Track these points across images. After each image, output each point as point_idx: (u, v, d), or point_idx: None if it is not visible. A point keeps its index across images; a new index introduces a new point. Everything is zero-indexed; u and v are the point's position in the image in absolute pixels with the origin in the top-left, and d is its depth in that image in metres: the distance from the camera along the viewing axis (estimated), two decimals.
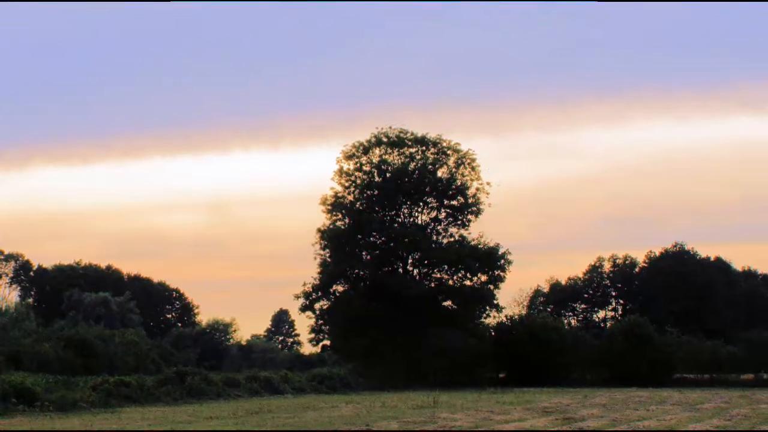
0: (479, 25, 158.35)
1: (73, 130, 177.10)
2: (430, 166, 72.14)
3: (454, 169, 73.04)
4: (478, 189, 73.10)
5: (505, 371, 77.32)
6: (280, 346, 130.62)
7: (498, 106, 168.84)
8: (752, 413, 35.80)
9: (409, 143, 73.31)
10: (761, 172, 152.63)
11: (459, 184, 72.63)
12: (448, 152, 73.40)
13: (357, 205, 72.33)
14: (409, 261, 72.80)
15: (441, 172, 72.82)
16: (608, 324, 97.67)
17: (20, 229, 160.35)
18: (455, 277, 73.13)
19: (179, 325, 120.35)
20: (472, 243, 72.64)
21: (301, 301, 72.64)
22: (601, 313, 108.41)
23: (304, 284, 72.81)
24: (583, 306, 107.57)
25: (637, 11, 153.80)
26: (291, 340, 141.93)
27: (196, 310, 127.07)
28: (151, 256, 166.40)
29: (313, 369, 71.13)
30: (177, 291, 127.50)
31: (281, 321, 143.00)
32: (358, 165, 72.83)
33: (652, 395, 51.64)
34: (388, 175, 72.03)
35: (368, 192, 72.55)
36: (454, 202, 72.98)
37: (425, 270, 73.09)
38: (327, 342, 75.66)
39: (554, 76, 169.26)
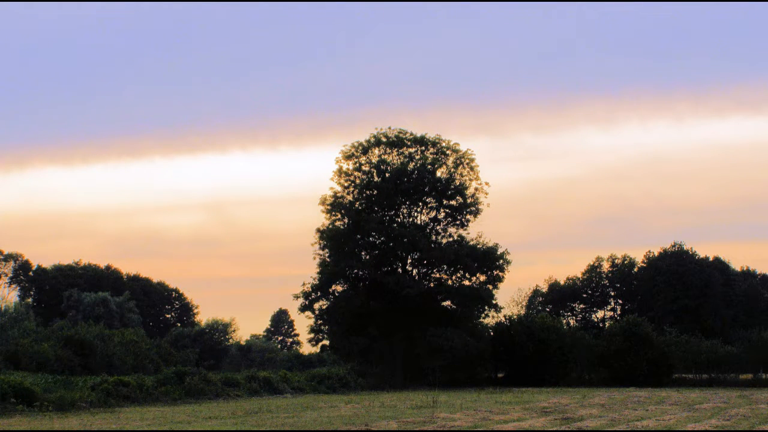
0: (478, 26, 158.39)
1: (73, 130, 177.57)
2: (429, 166, 72.05)
3: (452, 169, 73.00)
4: (476, 189, 73.17)
5: (503, 371, 77.40)
6: (279, 345, 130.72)
7: (495, 108, 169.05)
8: (751, 413, 35.84)
9: (408, 143, 73.30)
10: (759, 172, 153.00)
11: (458, 183, 72.57)
12: (447, 152, 73.38)
13: (356, 205, 72.28)
14: (408, 261, 72.75)
15: (440, 172, 72.74)
16: (607, 324, 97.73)
17: (20, 229, 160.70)
18: (454, 277, 73.10)
19: (178, 324, 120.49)
20: (471, 243, 72.59)
21: (301, 300, 72.63)
22: (600, 313, 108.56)
23: (304, 284, 72.90)
24: (581, 306, 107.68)
25: (634, 13, 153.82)
26: (290, 339, 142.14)
27: (195, 310, 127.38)
28: (150, 255, 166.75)
29: (312, 369, 71.30)
30: (176, 291, 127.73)
31: (280, 321, 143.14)
32: (357, 165, 72.80)
33: (651, 395, 51.70)
34: (387, 175, 71.96)
35: (367, 192, 72.50)
36: (453, 202, 72.91)
37: (424, 270, 73.05)
38: (326, 342, 75.61)
39: (552, 77, 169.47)
